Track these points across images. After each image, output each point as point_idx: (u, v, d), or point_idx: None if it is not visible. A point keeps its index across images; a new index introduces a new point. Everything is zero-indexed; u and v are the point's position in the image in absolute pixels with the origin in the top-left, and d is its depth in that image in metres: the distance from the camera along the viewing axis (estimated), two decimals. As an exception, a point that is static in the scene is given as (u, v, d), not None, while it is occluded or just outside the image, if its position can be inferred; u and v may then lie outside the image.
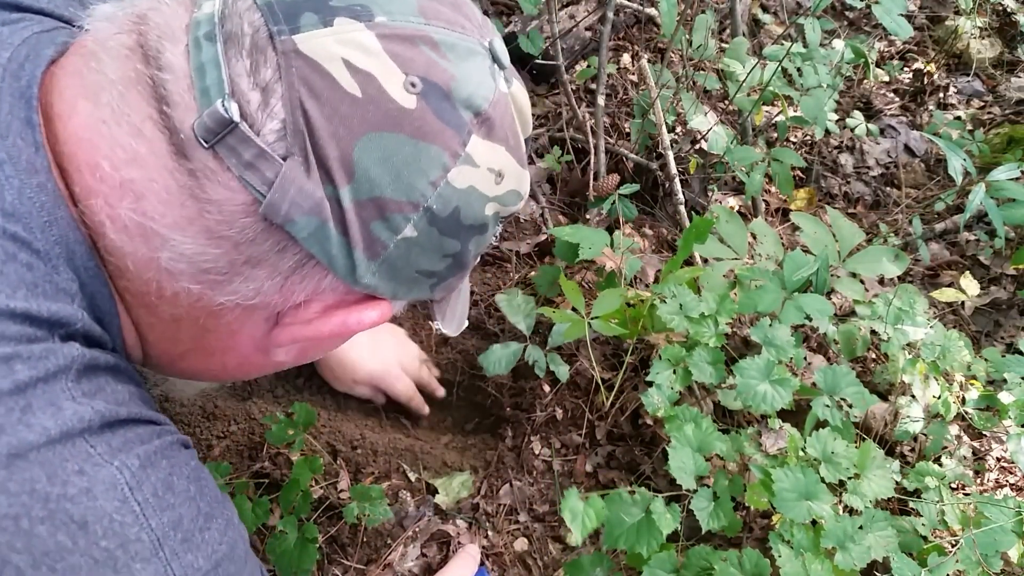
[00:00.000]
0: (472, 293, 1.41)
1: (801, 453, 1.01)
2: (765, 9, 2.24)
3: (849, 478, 0.98)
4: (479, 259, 0.61)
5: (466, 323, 0.69)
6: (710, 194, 1.68)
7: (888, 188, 1.92)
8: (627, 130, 1.72)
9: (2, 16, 0.54)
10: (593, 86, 1.63)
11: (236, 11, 0.47)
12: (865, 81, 2.16)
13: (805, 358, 1.36)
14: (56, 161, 0.49)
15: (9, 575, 0.41)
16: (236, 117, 0.44)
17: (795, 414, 1.14)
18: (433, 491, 1.20)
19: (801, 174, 1.88)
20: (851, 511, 1.00)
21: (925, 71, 2.17)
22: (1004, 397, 1.20)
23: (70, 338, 0.47)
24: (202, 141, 0.45)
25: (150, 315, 0.53)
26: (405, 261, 0.52)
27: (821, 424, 1.06)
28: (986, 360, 1.27)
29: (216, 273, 0.49)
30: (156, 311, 0.52)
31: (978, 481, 1.28)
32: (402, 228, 0.49)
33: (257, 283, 0.50)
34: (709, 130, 1.47)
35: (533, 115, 1.76)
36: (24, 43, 0.52)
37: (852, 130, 1.89)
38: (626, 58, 1.90)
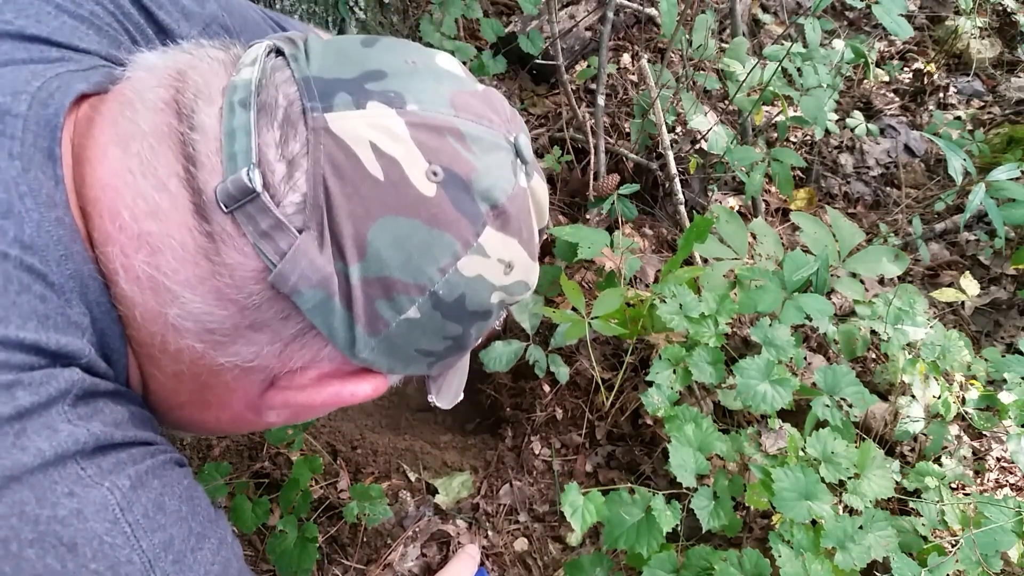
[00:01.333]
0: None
1: (801, 453, 1.01)
2: (765, 9, 2.24)
3: (849, 478, 0.98)
4: (480, 341, 0.62)
5: (461, 396, 0.69)
6: (710, 194, 1.68)
7: (888, 188, 1.92)
8: (627, 130, 1.72)
9: (44, 53, 0.55)
10: (593, 86, 1.63)
11: (273, 82, 0.48)
12: (865, 81, 2.16)
13: (805, 358, 1.36)
14: (80, 204, 0.49)
15: None
16: (259, 187, 0.45)
17: (795, 414, 1.14)
18: (433, 491, 1.20)
19: (801, 174, 1.88)
20: (851, 511, 1.00)
21: (925, 71, 2.18)
22: (1004, 397, 1.20)
23: (72, 367, 0.47)
24: (222, 206, 0.45)
25: (152, 366, 0.54)
26: (405, 340, 0.52)
27: (821, 424, 1.06)
28: (986, 360, 1.27)
29: (220, 334, 0.49)
30: (159, 364, 0.53)
31: (978, 481, 1.28)
32: (406, 309, 0.50)
33: (258, 347, 0.50)
34: (709, 130, 1.47)
35: (533, 115, 1.76)
36: (57, 77, 0.52)
37: (852, 130, 1.89)
38: (626, 58, 1.90)
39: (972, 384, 1.26)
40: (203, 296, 0.47)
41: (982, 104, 2.13)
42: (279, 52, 0.50)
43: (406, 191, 0.47)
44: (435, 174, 0.48)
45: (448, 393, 0.65)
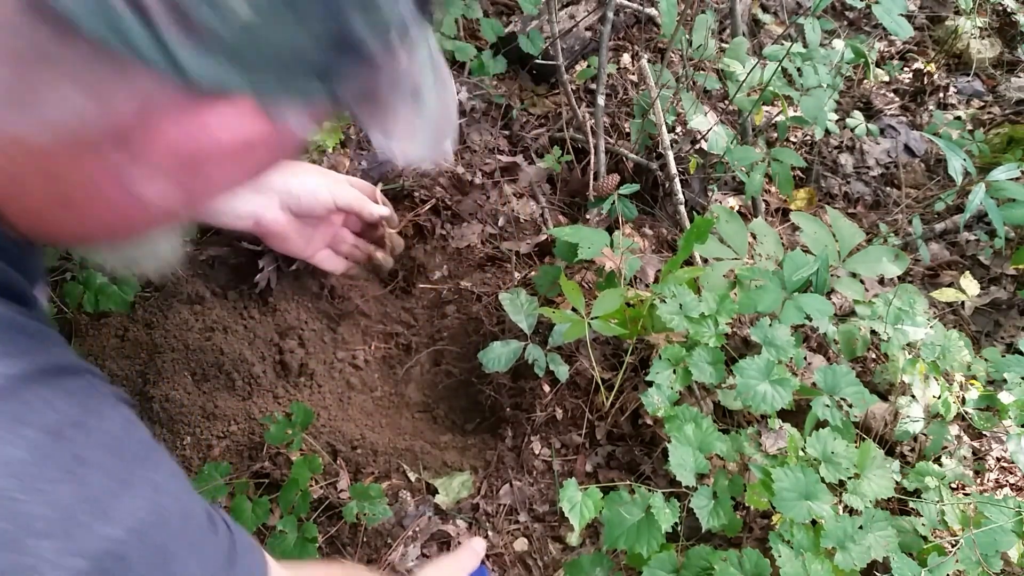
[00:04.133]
0: (472, 292, 1.41)
1: (801, 453, 1.01)
2: (765, 9, 2.24)
3: (849, 478, 0.98)
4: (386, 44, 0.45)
5: (450, 154, 0.54)
6: (710, 194, 1.68)
7: (888, 188, 1.92)
8: (627, 130, 1.72)
9: None
10: (593, 86, 1.63)
11: None
12: (865, 81, 2.16)
13: (805, 358, 1.36)
14: None
15: None
16: None
17: (795, 414, 1.14)
18: (433, 491, 1.20)
19: (801, 174, 1.88)
20: (851, 511, 1.00)
21: (925, 71, 2.17)
22: (1004, 397, 1.20)
23: None
24: None
25: None
26: (245, 37, 0.39)
27: (821, 424, 1.06)
28: (986, 360, 1.27)
29: (13, 94, 0.41)
30: None
31: (978, 481, 1.28)
32: None
33: (62, 97, 0.41)
34: (709, 130, 1.47)
35: (533, 115, 1.76)
36: None
37: (852, 130, 1.89)
38: (626, 58, 1.90)
39: (972, 384, 1.26)
40: None
41: (982, 104, 2.13)
42: None
43: None
44: None
45: (412, 136, 0.48)
